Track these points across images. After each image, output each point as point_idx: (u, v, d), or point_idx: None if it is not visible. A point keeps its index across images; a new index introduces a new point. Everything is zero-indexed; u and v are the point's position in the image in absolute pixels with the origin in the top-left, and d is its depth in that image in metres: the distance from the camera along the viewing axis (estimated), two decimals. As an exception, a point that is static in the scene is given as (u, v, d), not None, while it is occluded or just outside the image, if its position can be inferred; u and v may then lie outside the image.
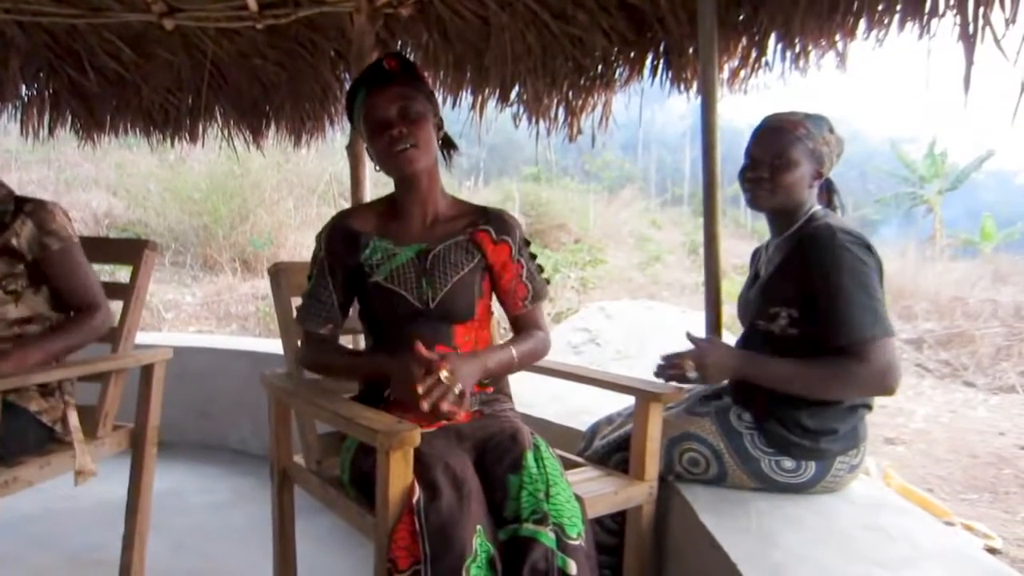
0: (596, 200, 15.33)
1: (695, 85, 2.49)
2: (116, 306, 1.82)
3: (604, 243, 12.86)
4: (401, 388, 1.34)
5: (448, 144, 1.56)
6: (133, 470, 1.84)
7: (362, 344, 1.80)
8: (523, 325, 1.58)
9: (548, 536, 1.16)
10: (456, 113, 3.02)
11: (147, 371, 1.83)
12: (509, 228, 1.54)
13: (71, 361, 1.71)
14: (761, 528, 1.35)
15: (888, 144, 19.40)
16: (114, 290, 1.86)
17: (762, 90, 2.46)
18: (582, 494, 1.32)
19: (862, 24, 2.01)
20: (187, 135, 3.53)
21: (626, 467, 1.59)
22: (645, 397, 1.53)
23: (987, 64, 1.68)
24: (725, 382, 1.64)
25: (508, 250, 1.53)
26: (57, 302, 1.74)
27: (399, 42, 2.97)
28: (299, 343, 1.60)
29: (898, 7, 1.89)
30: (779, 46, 2.26)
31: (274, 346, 3.09)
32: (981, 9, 1.63)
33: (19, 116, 3.54)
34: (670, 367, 1.52)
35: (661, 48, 2.55)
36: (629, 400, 1.63)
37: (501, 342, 1.55)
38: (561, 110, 2.86)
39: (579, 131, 2.87)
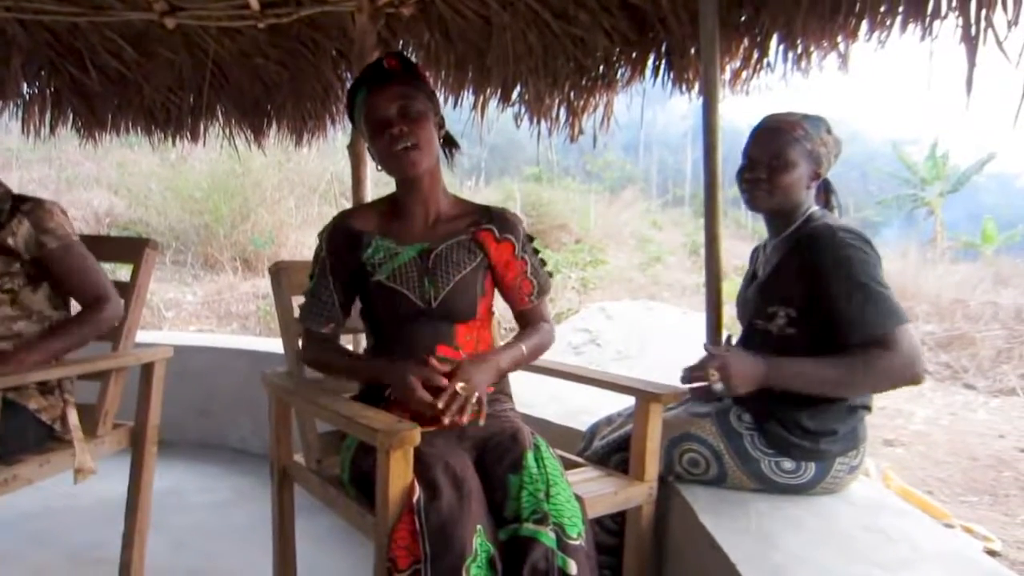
0: (597, 200, 15.34)
1: (697, 86, 2.49)
2: (117, 305, 1.82)
3: (605, 243, 12.85)
4: (400, 393, 1.34)
5: (450, 143, 1.56)
6: (133, 468, 1.85)
7: (363, 344, 1.80)
8: (529, 319, 1.59)
9: (548, 536, 1.16)
10: (457, 113, 3.02)
11: (147, 370, 1.83)
12: (512, 226, 1.54)
13: (71, 359, 1.71)
14: (761, 529, 1.35)
15: (889, 146, 19.36)
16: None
17: (764, 91, 2.46)
18: (582, 494, 1.32)
19: (864, 25, 2.01)
20: (188, 134, 3.54)
21: (626, 467, 1.59)
22: (645, 397, 1.53)
23: (989, 66, 1.68)
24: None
25: (511, 248, 1.53)
26: (58, 301, 1.74)
27: (400, 41, 2.97)
28: (300, 341, 1.61)
29: (900, 8, 1.89)
30: (781, 47, 2.26)
31: (274, 345, 3.09)
32: (983, 11, 1.63)
33: (20, 114, 3.54)
34: (693, 377, 1.46)
35: (663, 48, 2.55)
36: (629, 400, 1.63)
37: (503, 342, 1.55)
38: (562, 110, 2.85)
39: (580, 131, 2.86)
